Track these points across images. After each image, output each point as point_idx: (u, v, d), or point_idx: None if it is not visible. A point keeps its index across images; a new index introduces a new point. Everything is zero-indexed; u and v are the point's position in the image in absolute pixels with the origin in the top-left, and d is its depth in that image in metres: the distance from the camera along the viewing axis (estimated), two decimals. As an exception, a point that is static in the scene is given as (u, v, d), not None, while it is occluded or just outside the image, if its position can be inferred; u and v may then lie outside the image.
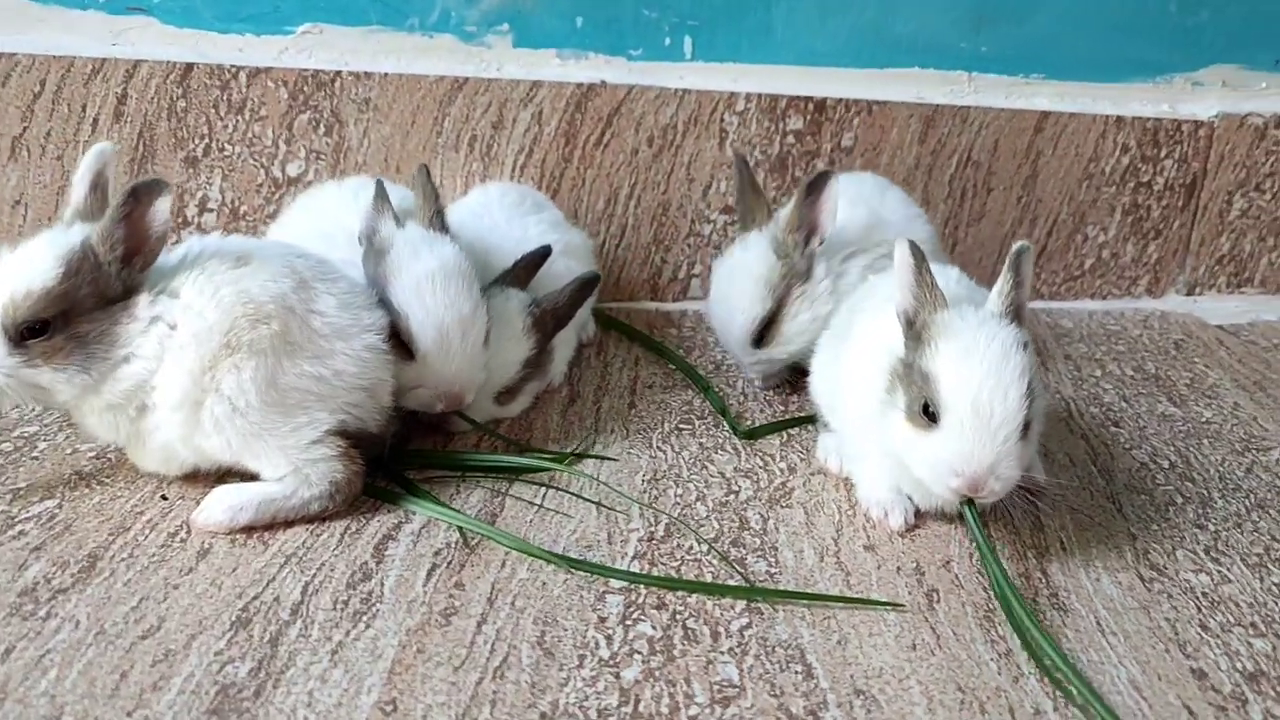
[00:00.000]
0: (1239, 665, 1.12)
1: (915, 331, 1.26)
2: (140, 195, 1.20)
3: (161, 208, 1.21)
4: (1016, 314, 1.28)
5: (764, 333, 1.67)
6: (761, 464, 1.50)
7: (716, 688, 1.05)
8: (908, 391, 1.25)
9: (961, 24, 2.11)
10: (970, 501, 1.23)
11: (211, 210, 1.91)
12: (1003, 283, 1.28)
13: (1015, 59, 2.16)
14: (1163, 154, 2.22)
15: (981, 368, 1.19)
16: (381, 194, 1.47)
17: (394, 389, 1.37)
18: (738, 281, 1.67)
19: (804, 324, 1.66)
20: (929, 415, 1.22)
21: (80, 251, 1.20)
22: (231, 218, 1.91)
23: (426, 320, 1.38)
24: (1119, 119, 2.18)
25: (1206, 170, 2.25)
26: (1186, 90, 2.24)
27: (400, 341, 1.39)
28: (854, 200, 1.70)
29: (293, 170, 1.92)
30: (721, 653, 1.10)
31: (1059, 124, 2.16)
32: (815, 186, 1.61)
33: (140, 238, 1.22)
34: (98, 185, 1.28)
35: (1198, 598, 1.24)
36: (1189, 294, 2.33)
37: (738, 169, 1.76)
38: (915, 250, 1.26)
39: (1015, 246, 1.28)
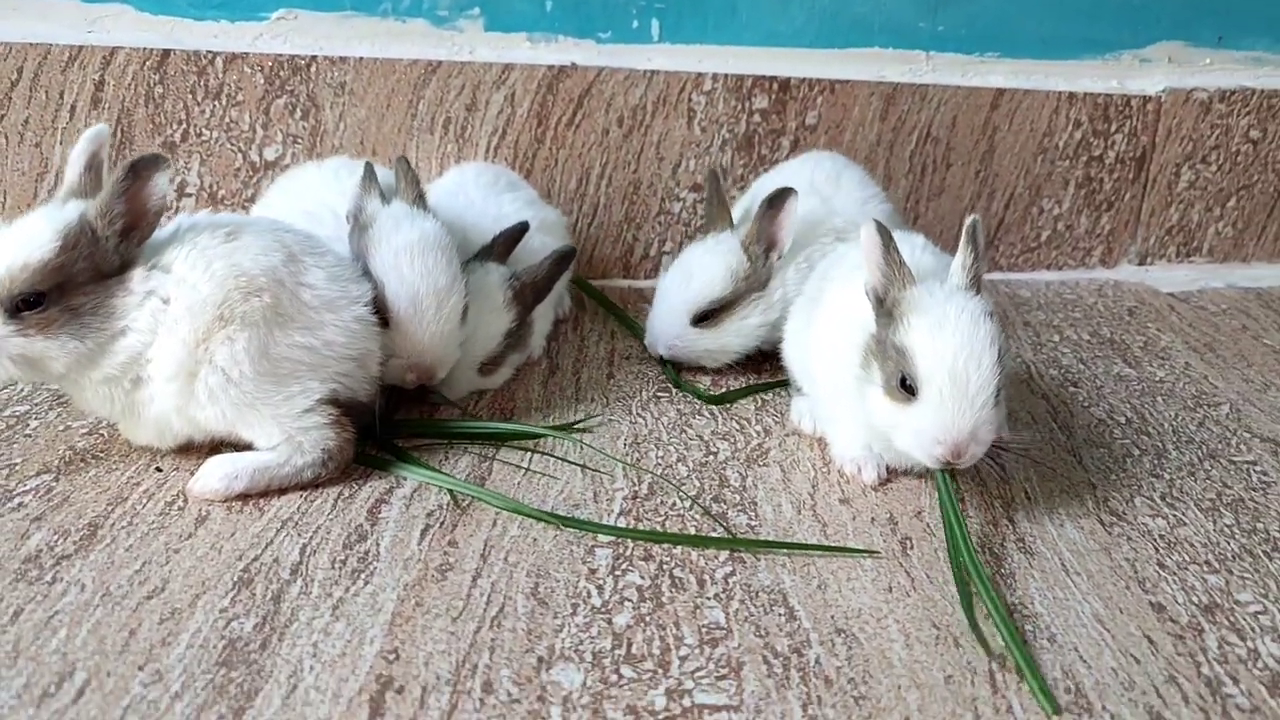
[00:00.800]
0: (1195, 599, 1.18)
1: (886, 309, 1.30)
2: (140, 170, 1.23)
3: (160, 182, 1.24)
4: (976, 284, 1.33)
5: (709, 316, 1.68)
6: (738, 427, 1.56)
7: (705, 630, 1.10)
8: (883, 366, 1.29)
9: (919, 4, 2.17)
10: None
11: (190, 195, 1.93)
12: (963, 256, 1.32)
13: (971, 38, 2.22)
14: (1113, 128, 2.29)
15: (955, 339, 1.24)
16: (370, 174, 1.50)
17: (380, 360, 1.41)
18: (706, 261, 1.69)
19: (750, 327, 1.69)
20: (907, 388, 1.26)
21: (78, 226, 1.23)
22: (210, 201, 1.94)
23: (401, 289, 1.42)
24: (1071, 95, 2.25)
25: (1155, 144, 2.33)
26: (1135, 66, 2.32)
27: (379, 311, 1.41)
28: (806, 191, 1.73)
29: (270, 154, 1.95)
30: (708, 598, 1.15)
31: (1014, 100, 2.22)
32: (775, 202, 1.64)
33: (138, 212, 1.25)
34: (92, 165, 1.30)
35: (1155, 540, 1.30)
36: (1140, 263, 2.41)
37: (710, 182, 1.78)
38: (883, 231, 1.30)
39: (968, 221, 1.32)
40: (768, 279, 1.69)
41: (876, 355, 1.31)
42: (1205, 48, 2.34)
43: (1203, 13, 2.31)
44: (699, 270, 1.68)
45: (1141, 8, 2.28)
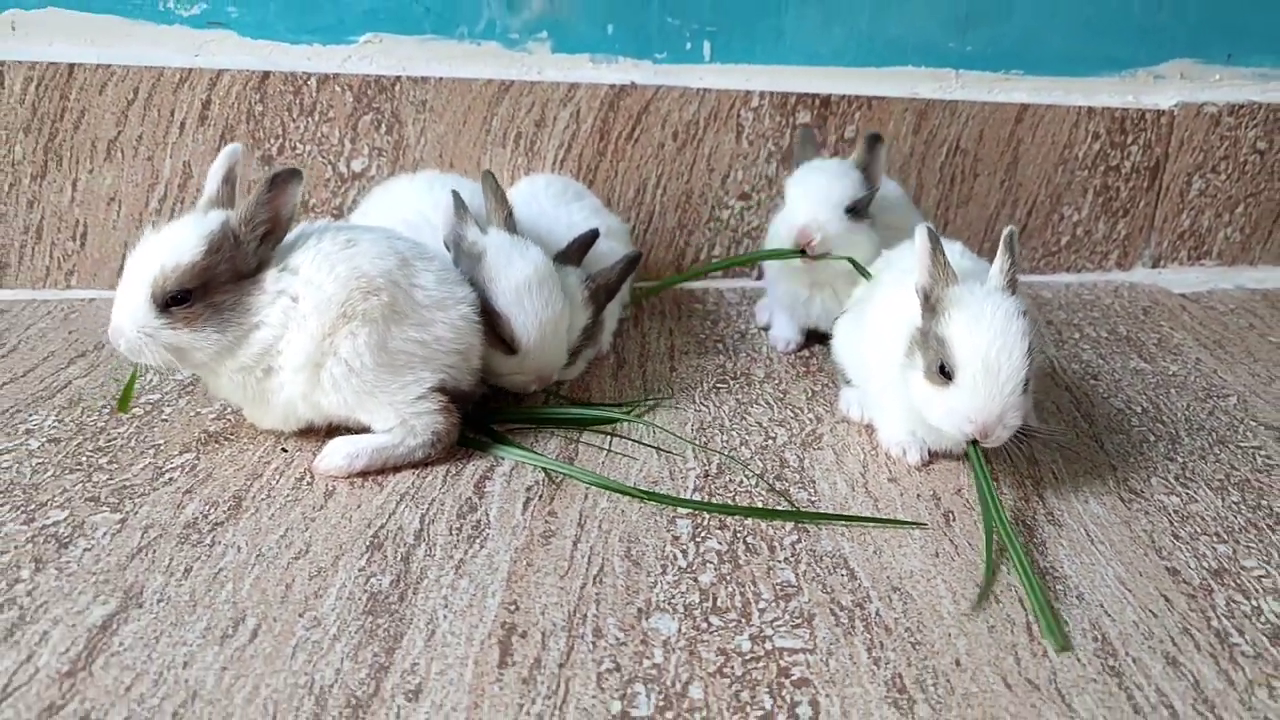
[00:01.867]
0: (1205, 564, 1.34)
1: (931, 304, 1.46)
2: (279, 182, 1.40)
3: (294, 193, 1.41)
4: (1012, 286, 1.47)
5: (856, 210, 1.82)
6: (792, 415, 1.72)
7: (779, 587, 1.26)
8: (925, 354, 1.44)
9: (948, 26, 2.31)
10: (975, 443, 1.43)
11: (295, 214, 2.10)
12: (1001, 261, 1.47)
13: (997, 57, 2.35)
14: (1129, 140, 2.43)
15: (989, 332, 1.39)
16: (460, 204, 1.65)
17: (482, 355, 1.56)
18: (842, 168, 1.84)
19: (872, 239, 1.83)
20: (945, 374, 1.41)
21: (220, 232, 1.39)
22: (302, 210, 2.10)
23: (529, 322, 1.58)
24: (1090, 109, 2.38)
25: (1168, 154, 2.45)
26: (1149, 83, 2.45)
27: (499, 336, 1.58)
28: None
29: (357, 166, 2.12)
30: (779, 561, 1.31)
31: (1037, 115, 2.36)
32: (874, 143, 1.85)
33: (277, 219, 1.42)
34: (229, 179, 1.47)
35: (1170, 514, 1.45)
36: (1154, 266, 2.54)
37: (804, 131, 1.99)
38: (933, 235, 1.46)
39: (1006, 230, 1.47)
40: (866, 211, 1.85)
41: (920, 345, 1.46)
42: (1215, 65, 2.46)
43: (1213, 32, 2.43)
44: (840, 173, 1.83)
45: (1155, 28, 2.40)
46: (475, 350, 1.55)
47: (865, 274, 1.78)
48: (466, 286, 1.55)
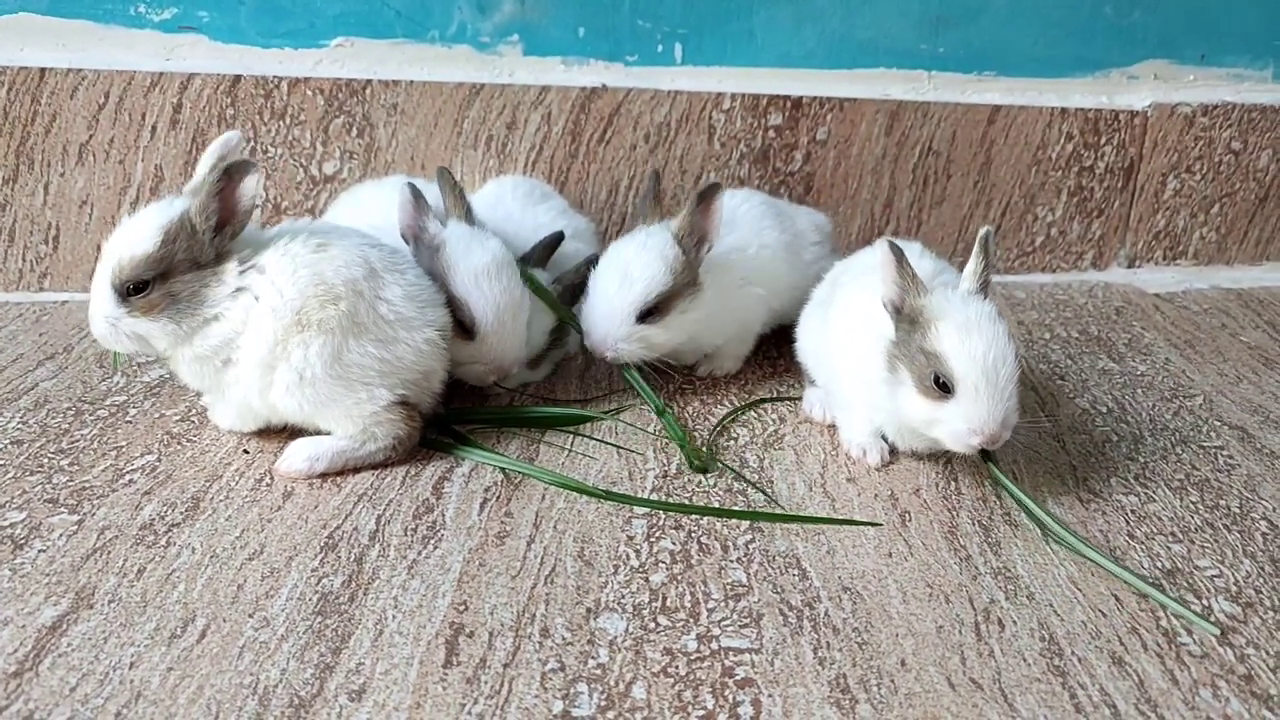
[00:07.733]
0: (1159, 564, 1.34)
1: (906, 316, 1.44)
2: (232, 173, 1.40)
3: (249, 184, 1.41)
4: (984, 288, 1.47)
5: (653, 311, 1.69)
6: (755, 415, 1.73)
7: (729, 587, 1.27)
8: (912, 368, 1.42)
9: (921, 27, 2.31)
10: (985, 453, 1.44)
11: (257, 205, 2.10)
12: (974, 263, 1.46)
13: (969, 58, 2.36)
14: (1103, 141, 2.44)
15: (983, 340, 1.38)
16: (419, 196, 1.65)
17: (444, 378, 1.56)
18: (642, 256, 1.68)
19: (689, 321, 1.72)
20: (942, 386, 1.40)
21: (178, 222, 1.40)
22: (274, 212, 2.11)
23: (486, 306, 1.59)
24: (1063, 110, 2.39)
25: (1142, 155, 2.46)
26: (1123, 83, 2.46)
27: (459, 323, 1.59)
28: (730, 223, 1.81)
29: (328, 169, 2.13)
30: (731, 561, 1.32)
31: (1010, 116, 2.37)
32: (706, 196, 1.69)
33: (230, 210, 1.42)
34: (217, 167, 1.45)
35: (1127, 514, 1.46)
36: (1129, 266, 2.55)
37: (651, 180, 1.84)
38: (895, 248, 1.44)
39: (982, 231, 1.47)
40: (696, 276, 1.72)
41: (902, 359, 1.44)
42: (1189, 65, 2.47)
43: (1186, 32, 2.44)
44: (637, 266, 1.68)
45: (1129, 28, 2.41)
46: (438, 375, 1.55)
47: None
48: (439, 309, 1.54)
